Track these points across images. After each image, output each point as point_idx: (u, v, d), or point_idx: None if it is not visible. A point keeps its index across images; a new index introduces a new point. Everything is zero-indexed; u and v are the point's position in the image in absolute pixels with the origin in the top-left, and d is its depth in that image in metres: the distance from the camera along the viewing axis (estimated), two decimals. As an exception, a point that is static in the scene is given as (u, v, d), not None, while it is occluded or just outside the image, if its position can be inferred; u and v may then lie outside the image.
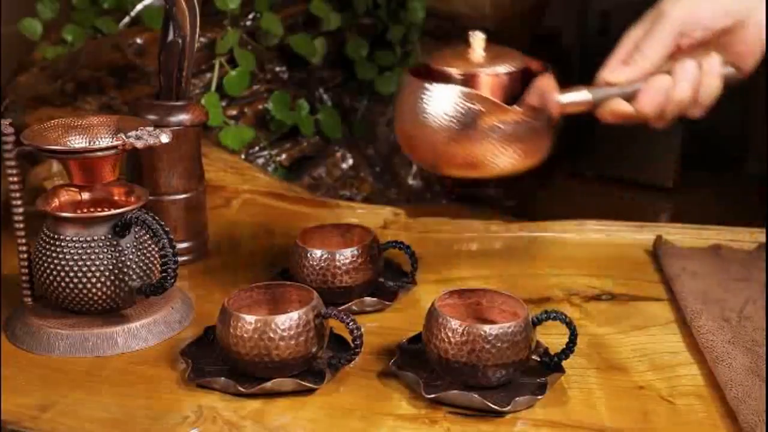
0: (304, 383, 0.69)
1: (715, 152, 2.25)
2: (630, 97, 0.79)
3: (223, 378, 0.70)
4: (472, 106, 0.76)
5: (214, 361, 0.73)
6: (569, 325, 0.70)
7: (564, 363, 0.71)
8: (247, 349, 0.69)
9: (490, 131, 0.76)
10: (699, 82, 0.79)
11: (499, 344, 0.67)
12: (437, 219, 1.06)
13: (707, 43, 0.81)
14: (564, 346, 0.71)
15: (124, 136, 0.76)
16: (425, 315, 0.71)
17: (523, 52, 0.82)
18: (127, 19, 1.36)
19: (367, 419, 0.67)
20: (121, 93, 1.29)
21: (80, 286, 0.76)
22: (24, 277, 0.80)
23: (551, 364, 0.71)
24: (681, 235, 0.99)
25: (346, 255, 0.83)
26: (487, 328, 0.67)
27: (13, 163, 0.77)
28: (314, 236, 0.88)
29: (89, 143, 0.79)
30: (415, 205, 1.62)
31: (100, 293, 0.76)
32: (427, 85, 0.78)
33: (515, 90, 0.79)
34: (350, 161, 1.66)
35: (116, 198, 0.83)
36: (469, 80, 0.78)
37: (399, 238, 0.89)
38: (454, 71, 0.79)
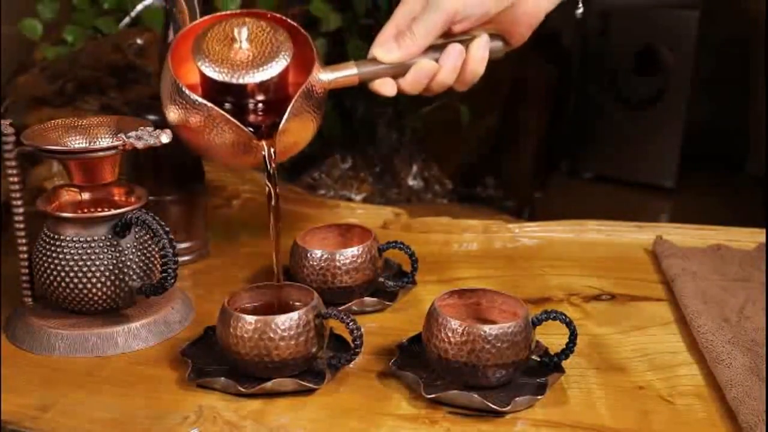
0: (304, 383, 0.69)
1: (715, 152, 2.25)
2: (397, 74, 0.83)
3: (223, 378, 0.70)
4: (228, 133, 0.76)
5: (214, 361, 0.73)
6: (569, 325, 0.70)
7: (564, 363, 0.71)
8: (247, 350, 0.69)
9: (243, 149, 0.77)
10: (463, 66, 0.84)
11: (498, 344, 0.67)
12: (437, 219, 1.06)
13: (480, 24, 0.85)
14: (564, 346, 0.71)
15: (124, 136, 0.76)
16: (425, 315, 0.71)
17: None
18: (127, 19, 1.36)
19: (367, 419, 0.67)
20: (121, 93, 1.28)
21: (80, 286, 0.76)
22: (24, 277, 0.80)
23: (551, 364, 0.71)
24: (681, 235, 0.99)
25: (346, 255, 0.83)
26: (487, 328, 0.67)
27: (13, 163, 0.77)
28: (314, 236, 0.88)
29: (89, 143, 0.79)
30: (415, 205, 1.63)
31: (100, 293, 0.76)
32: (186, 93, 0.76)
33: (283, 77, 0.80)
34: (350, 161, 1.66)
35: (116, 198, 0.83)
36: (231, 88, 0.78)
37: (399, 238, 0.89)
38: (217, 76, 0.77)
